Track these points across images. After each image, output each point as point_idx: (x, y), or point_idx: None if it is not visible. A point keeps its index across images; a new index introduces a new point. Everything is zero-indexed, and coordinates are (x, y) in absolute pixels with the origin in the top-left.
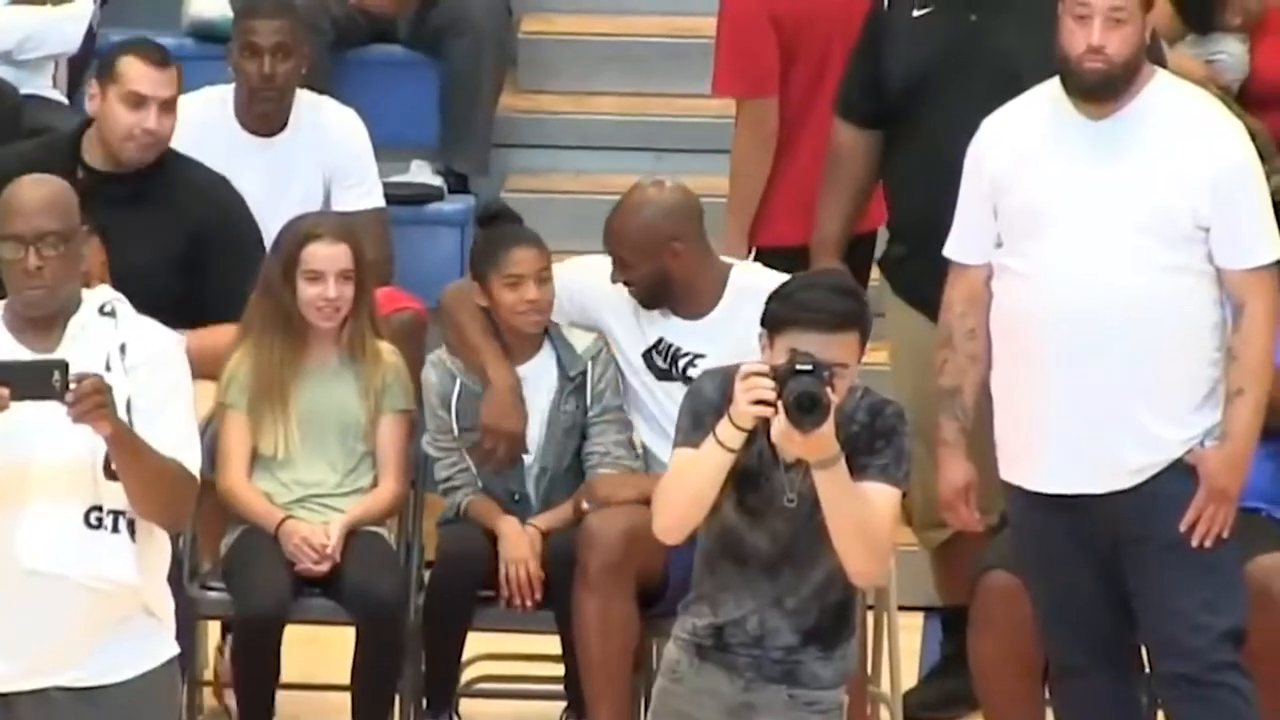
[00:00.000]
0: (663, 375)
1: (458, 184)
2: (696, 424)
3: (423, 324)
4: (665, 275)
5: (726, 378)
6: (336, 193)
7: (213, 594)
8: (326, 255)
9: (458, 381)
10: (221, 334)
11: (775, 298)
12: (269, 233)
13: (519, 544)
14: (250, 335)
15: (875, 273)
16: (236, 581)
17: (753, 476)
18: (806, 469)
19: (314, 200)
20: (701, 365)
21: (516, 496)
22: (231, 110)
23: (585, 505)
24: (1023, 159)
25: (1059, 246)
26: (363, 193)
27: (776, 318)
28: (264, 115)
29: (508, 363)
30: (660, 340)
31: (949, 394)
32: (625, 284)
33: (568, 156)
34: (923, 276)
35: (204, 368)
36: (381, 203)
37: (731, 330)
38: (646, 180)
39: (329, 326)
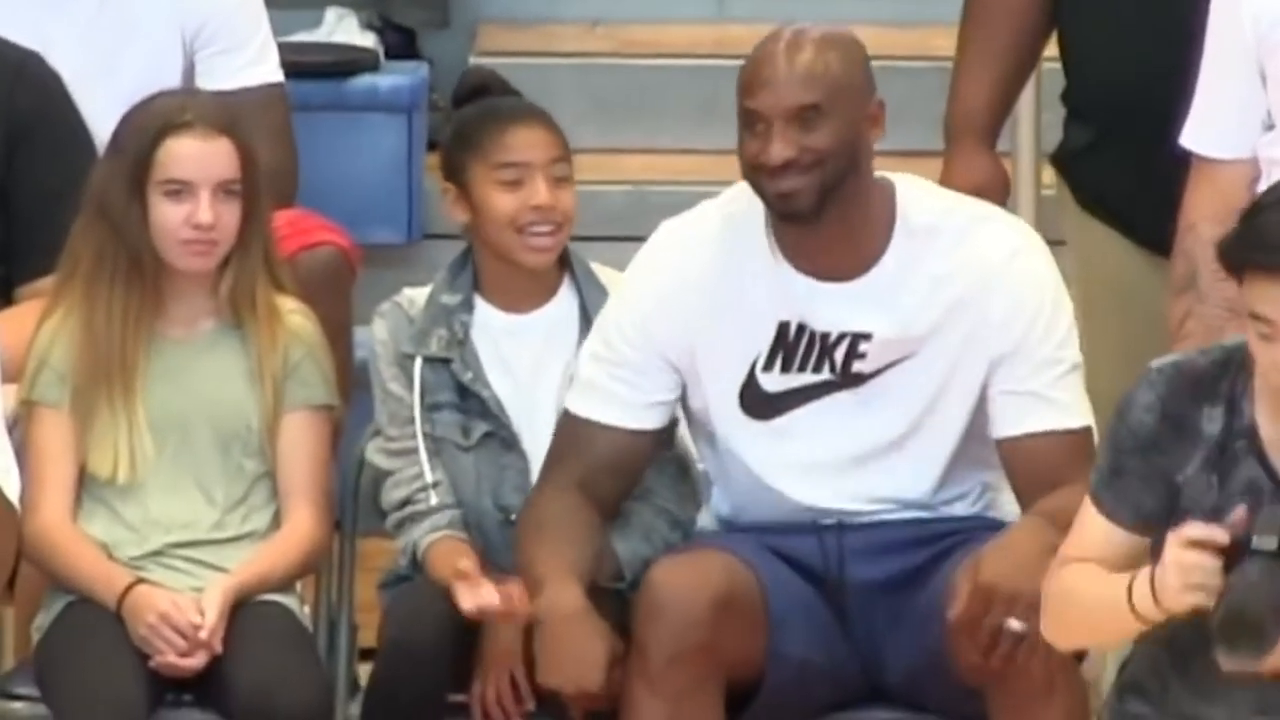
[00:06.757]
0: (765, 409)
1: (401, 45)
2: (1115, 472)
3: (349, 268)
4: (850, 161)
5: (1171, 390)
6: (204, 61)
7: (19, 706)
8: (197, 156)
9: (426, 334)
10: (34, 314)
11: (1241, 218)
12: (98, 131)
13: (502, 633)
14: (73, 288)
15: (1048, 174)
16: (58, 686)
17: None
18: None
19: (167, 73)
20: (872, 350)
21: (512, 516)
22: None
23: (1014, 625)
24: None
25: None
26: (246, 60)
27: (1232, 249)
28: None
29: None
30: (788, 326)
31: None
32: (779, 169)
33: None
34: (1126, 176)
35: (11, 368)
36: (278, 76)
37: (900, 297)
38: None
39: (202, 268)
